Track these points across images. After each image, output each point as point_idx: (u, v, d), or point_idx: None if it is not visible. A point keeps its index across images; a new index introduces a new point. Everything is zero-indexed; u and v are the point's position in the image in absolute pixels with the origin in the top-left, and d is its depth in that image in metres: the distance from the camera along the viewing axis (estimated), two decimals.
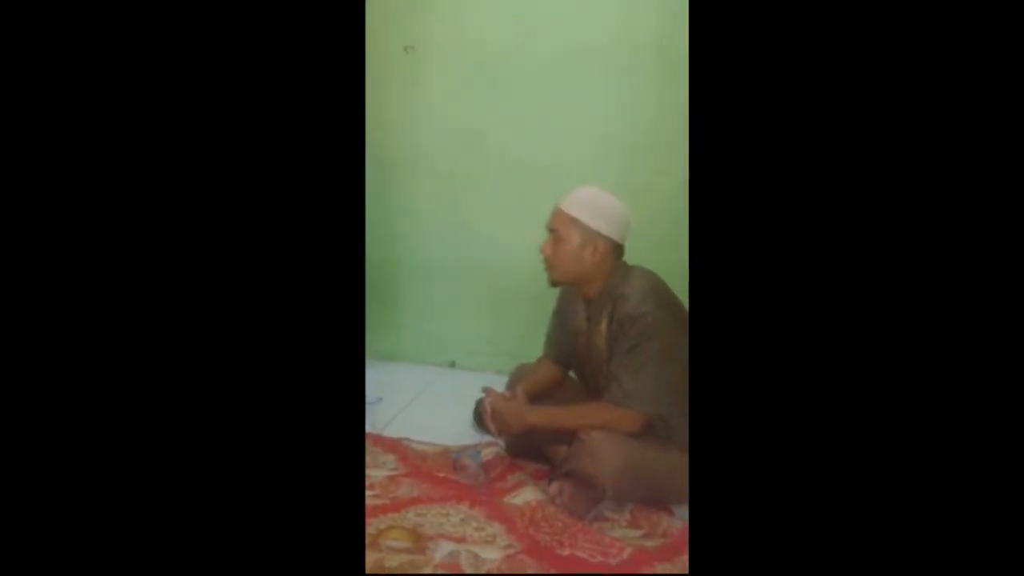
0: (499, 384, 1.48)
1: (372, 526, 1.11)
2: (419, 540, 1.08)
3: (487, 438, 1.41)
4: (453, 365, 2.25)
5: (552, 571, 1.03)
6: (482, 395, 1.41)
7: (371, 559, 1.01)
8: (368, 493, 1.24)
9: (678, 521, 1.20)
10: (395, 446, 1.47)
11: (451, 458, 1.38)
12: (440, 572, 1.01)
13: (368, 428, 1.57)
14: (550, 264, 1.32)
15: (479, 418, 1.52)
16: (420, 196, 2.28)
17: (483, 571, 1.02)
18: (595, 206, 1.29)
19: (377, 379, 1.99)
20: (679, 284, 1.20)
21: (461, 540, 1.09)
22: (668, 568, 1.05)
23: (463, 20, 2.18)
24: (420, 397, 1.91)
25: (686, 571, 0.99)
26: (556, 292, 1.47)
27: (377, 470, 1.35)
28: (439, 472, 1.35)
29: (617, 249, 1.31)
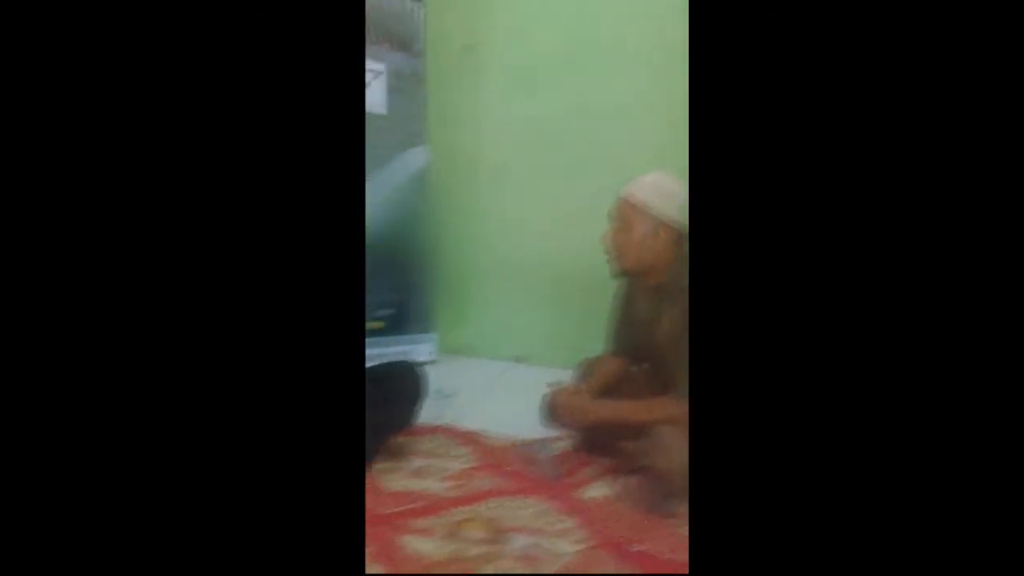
0: (567, 378, 1.50)
1: (451, 517, 1.17)
2: (496, 532, 1.12)
3: (557, 433, 1.44)
4: (521, 360, 2.28)
5: (627, 567, 1.04)
6: (550, 390, 1.43)
7: (449, 549, 1.06)
8: (445, 485, 1.30)
9: None
10: (469, 439, 1.53)
11: (522, 452, 1.41)
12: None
13: (442, 421, 1.63)
14: (614, 254, 1.31)
15: (548, 413, 1.55)
16: (484, 193, 2.32)
17: (559, 565, 1.04)
18: (660, 193, 1.26)
19: (448, 373, 2.06)
20: None
21: (537, 533, 1.13)
22: None
23: (521, 18, 2.18)
24: (490, 391, 1.96)
25: None
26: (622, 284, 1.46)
27: (452, 462, 1.40)
28: (512, 465, 1.38)
29: (682, 237, 1.29)
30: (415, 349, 2.22)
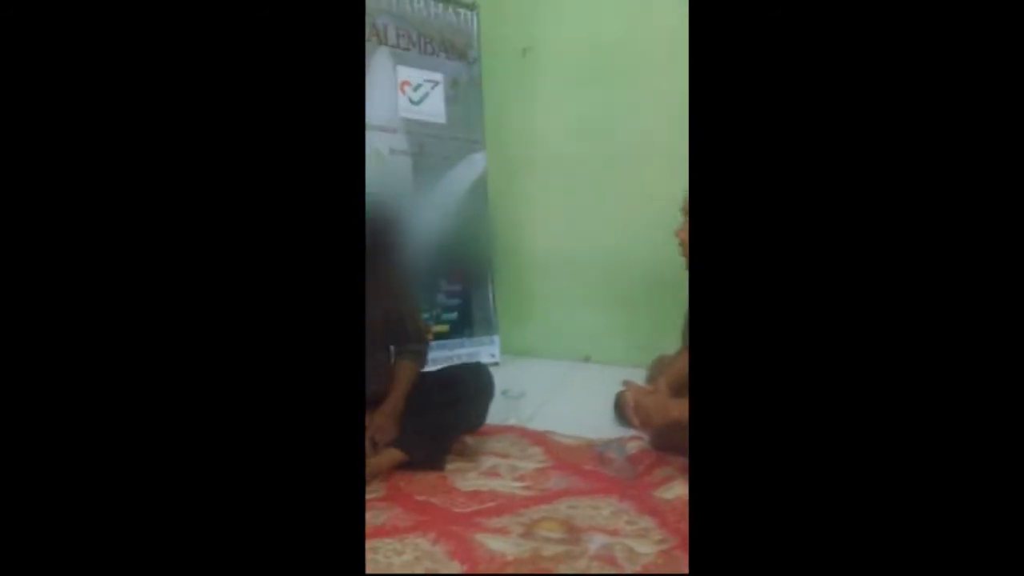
0: (635, 377, 1.47)
1: (526, 516, 1.16)
2: (572, 532, 1.11)
3: (630, 432, 1.41)
4: (588, 359, 2.26)
5: None
6: (622, 388, 1.41)
7: (527, 548, 1.06)
8: (519, 484, 1.30)
9: None
10: (541, 439, 1.52)
11: (596, 452, 1.39)
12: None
13: (513, 421, 1.64)
14: (686, 249, 1.28)
15: (621, 412, 1.52)
16: (546, 193, 2.32)
17: (639, 566, 1.02)
18: None
19: (514, 374, 2.07)
20: None
21: (614, 533, 1.10)
22: None
23: (574, 18, 2.18)
24: (558, 391, 1.95)
25: None
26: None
27: (526, 462, 1.40)
28: (585, 465, 1.37)
29: None
30: (479, 352, 2.24)
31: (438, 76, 2.20)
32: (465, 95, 2.25)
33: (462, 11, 2.25)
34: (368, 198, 1.71)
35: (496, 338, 2.30)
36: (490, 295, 2.31)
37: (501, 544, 1.06)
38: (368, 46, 2.06)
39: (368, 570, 0.99)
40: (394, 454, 1.32)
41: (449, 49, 2.23)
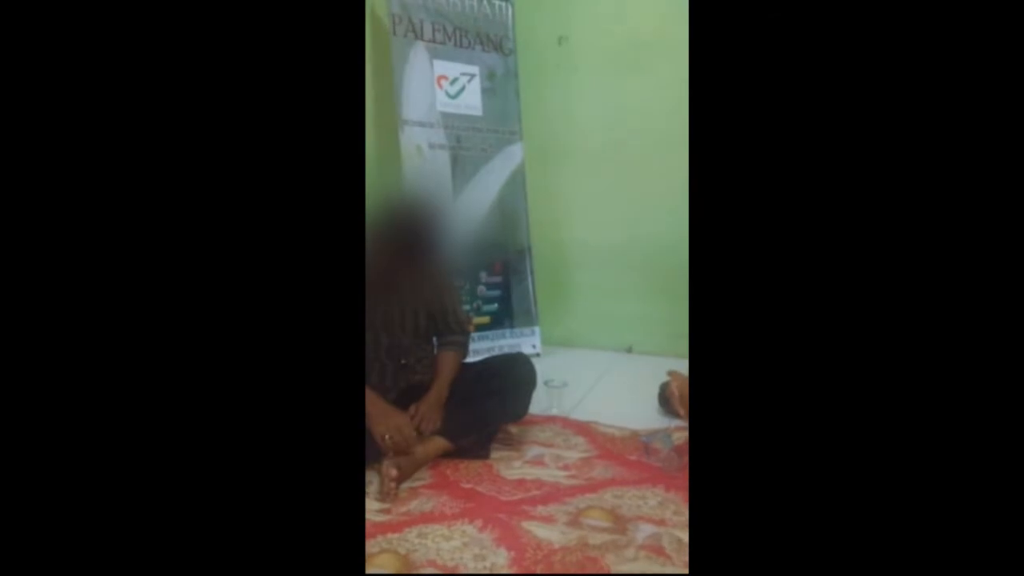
0: (678, 367, 1.45)
1: (571, 505, 1.17)
2: (619, 521, 1.11)
3: (675, 422, 1.39)
4: (630, 350, 2.24)
5: None
6: (666, 378, 1.39)
7: (574, 536, 1.06)
8: (564, 473, 1.30)
9: None
10: (584, 429, 1.52)
11: (641, 441, 1.38)
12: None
13: (556, 411, 1.64)
14: None
15: (666, 402, 1.50)
16: (584, 182, 2.30)
17: (686, 556, 1.01)
18: None
19: (556, 365, 2.07)
20: None
21: (660, 523, 1.10)
22: None
23: (609, 5, 2.14)
24: (601, 382, 1.94)
25: None
26: None
27: (570, 451, 1.40)
28: (630, 455, 1.36)
29: None
30: (520, 343, 2.25)
31: (474, 69, 2.21)
32: (501, 87, 2.25)
33: (497, 2, 2.24)
34: (409, 193, 1.73)
35: (537, 329, 2.31)
36: (530, 286, 2.31)
37: (548, 532, 1.07)
38: (405, 42, 2.08)
39: (420, 554, 1.02)
40: (439, 442, 1.34)
41: (485, 41, 2.23)
